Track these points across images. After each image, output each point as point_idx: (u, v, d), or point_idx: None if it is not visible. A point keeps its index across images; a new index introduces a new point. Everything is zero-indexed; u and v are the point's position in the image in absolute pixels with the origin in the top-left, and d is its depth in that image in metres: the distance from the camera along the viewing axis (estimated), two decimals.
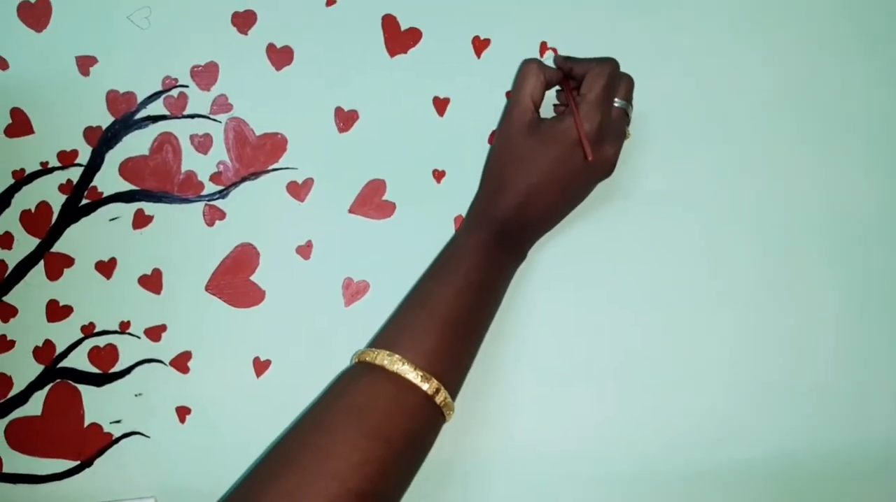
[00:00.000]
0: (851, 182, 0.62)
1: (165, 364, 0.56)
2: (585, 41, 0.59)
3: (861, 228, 0.62)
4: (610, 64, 0.52)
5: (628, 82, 0.54)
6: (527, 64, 0.53)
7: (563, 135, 0.51)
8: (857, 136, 0.62)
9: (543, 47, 0.59)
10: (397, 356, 0.46)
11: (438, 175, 0.58)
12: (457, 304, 0.49)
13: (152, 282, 0.56)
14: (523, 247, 0.55)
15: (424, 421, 0.47)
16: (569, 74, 0.54)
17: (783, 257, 0.61)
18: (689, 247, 0.60)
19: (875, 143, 0.62)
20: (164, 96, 0.56)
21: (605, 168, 0.53)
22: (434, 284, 0.51)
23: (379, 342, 0.49)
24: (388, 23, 0.58)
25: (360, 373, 0.47)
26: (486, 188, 0.55)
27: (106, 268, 0.56)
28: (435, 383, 0.46)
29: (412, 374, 0.46)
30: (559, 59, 0.55)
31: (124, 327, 0.56)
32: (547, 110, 0.58)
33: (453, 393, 0.49)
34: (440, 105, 0.58)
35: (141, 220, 0.56)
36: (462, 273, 0.50)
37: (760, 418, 0.60)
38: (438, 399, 0.47)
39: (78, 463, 0.55)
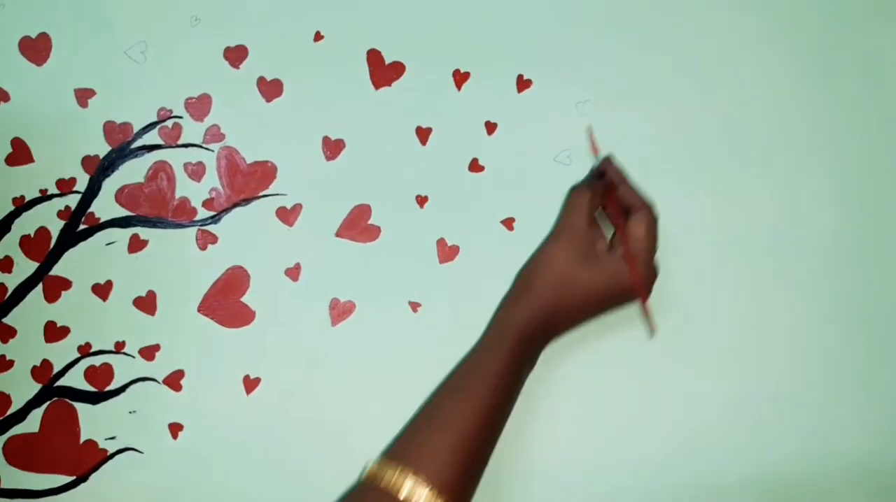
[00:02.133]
0: (811, 204, 0.64)
1: (159, 382, 0.58)
2: (561, 75, 0.62)
3: (821, 248, 0.64)
4: (654, 209, 0.55)
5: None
6: (577, 192, 0.55)
7: (617, 279, 0.54)
8: (818, 159, 0.64)
9: (520, 80, 0.62)
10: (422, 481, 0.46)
11: (421, 200, 0.61)
12: (481, 427, 0.50)
13: (147, 303, 0.58)
14: (539, 353, 0.55)
15: None
16: (609, 187, 0.56)
17: (758, 277, 0.63)
18: (671, 268, 0.62)
19: (835, 166, 0.64)
20: (158, 126, 0.59)
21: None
22: (459, 405, 0.50)
23: (404, 458, 0.48)
24: (373, 57, 0.61)
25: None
26: (518, 294, 0.54)
27: (102, 290, 0.58)
28: None
29: None
30: (609, 169, 0.57)
31: (119, 347, 0.58)
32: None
33: None
34: (423, 134, 0.61)
35: (136, 245, 0.58)
36: (486, 393, 0.50)
37: (748, 434, 0.62)
38: None
39: (74, 478, 0.57)
